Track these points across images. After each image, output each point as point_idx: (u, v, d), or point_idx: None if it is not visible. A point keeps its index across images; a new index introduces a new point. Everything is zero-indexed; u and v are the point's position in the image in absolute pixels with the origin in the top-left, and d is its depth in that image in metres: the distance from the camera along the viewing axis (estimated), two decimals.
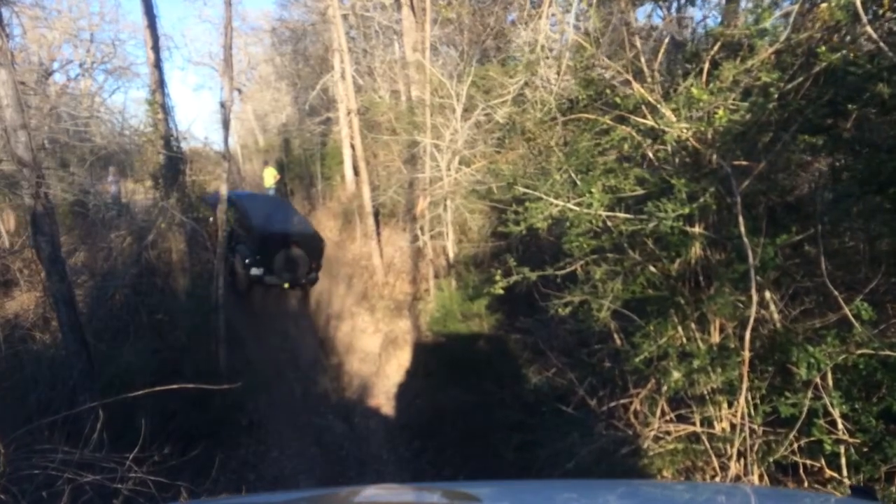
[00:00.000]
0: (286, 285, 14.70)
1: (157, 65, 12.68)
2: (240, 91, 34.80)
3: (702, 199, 4.20)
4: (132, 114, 26.39)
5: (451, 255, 13.81)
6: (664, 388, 4.71)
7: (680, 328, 4.71)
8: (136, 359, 11.31)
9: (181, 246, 12.95)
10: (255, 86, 35.26)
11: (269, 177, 20.15)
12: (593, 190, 4.56)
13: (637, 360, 4.70)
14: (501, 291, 5.36)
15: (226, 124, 11.51)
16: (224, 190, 11.51)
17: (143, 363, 11.41)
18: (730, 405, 4.52)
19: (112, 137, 20.57)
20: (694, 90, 4.28)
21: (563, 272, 5.31)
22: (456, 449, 11.05)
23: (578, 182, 4.78)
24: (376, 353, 13.79)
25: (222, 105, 11.66)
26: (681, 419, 4.75)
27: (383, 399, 12.94)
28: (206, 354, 12.42)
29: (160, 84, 12.78)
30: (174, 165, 12.68)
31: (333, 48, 17.90)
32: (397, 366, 13.35)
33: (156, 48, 12.61)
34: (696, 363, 4.45)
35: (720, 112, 4.29)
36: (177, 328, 12.45)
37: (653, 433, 4.77)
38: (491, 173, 13.75)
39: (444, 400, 11.57)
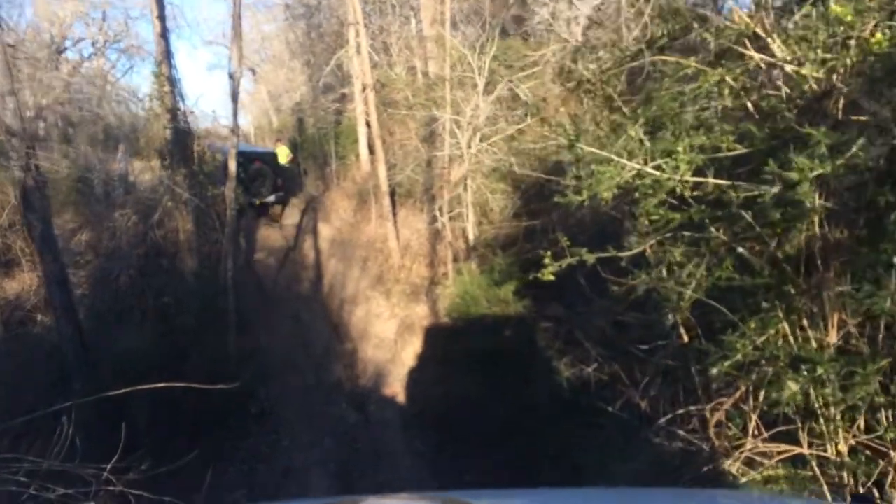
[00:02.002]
0: (256, 202, 16.40)
1: (164, 34, 12.03)
2: (254, 71, 34.19)
3: (848, 154, 3.29)
4: (146, 93, 25.85)
5: (472, 237, 13.15)
6: (762, 399, 3.92)
7: (786, 325, 3.90)
8: (141, 343, 10.76)
9: (188, 225, 12.36)
10: (268, 66, 34.63)
11: (282, 155, 19.47)
12: (679, 148, 3.77)
13: (727, 364, 3.87)
14: (552, 278, 4.62)
15: (234, 96, 10.88)
16: (233, 152, 10.87)
17: (148, 348, 10.87)
18: (849, 421, 3.73)
19: (124, 116, 20.04)
20: (835, 6, 3.37)
21: (630, 253, 4.57)
22: (478, 444, 10.42)
23: (654, 141, 3.94)
24: (392, 339, 13.17)
25: (231, 76, 11.01)
26: (778, 437, 3.97)
27: (399, 387, 12.33)
28: (215, 339, 11.86)
29: (167, 55, 12.12)
30: (181, 140, 12.06)
31: (348, 22, 17.17)
32: (414, 353, 12.72)
33: (161, 17, 11.96)
34: (819, 371, 3.57)
35: (877, 36, 3.35)
36: (184, 311, 11.89)
37: (744, 454, 4.00)
38: (513, 150, 13.08)
39: (464, 390, 10.92)
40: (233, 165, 10.84)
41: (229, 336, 11.56)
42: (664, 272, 4.42)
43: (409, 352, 12.71)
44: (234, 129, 11.20)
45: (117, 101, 22.49)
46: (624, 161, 3.91)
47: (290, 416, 11.74)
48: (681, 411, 4.51)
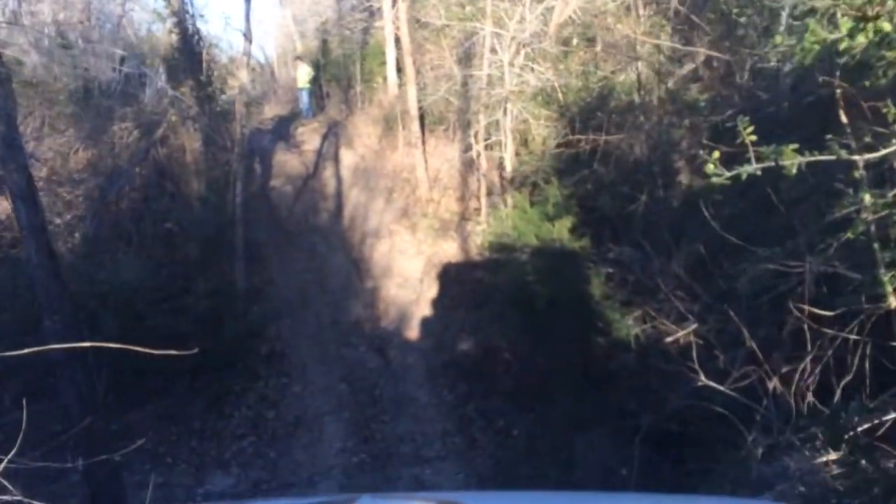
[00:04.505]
0: None
1: None
2: None
3: None
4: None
5: (509, 168, 11.78)
6: None
7: None
8: (139, 274, 9.64)
9: (196, 144, 11.12)
10: None
11: (304, 74, 18.05)
12: None
13: None
14: (727, 182, 3.21)
15: None
16: (245, 76, 9.53)
17: (147, 279, 9.78)
18: None
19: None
20: None
21: (877, 155, 3.15)
22: (510, 398, 9.32)
23: None
24: (417, 278, 11.99)
25: None
26: None
27: (424, 332, 11.20)
28: (222, 272, 10.76)
29: None
30: (189, 48, 10.70)
31: None
32: (441, 294, 11.56)
33: None
34: None
35: None
36: (189, 240, 10.76)
37: None
38: (559, 74, 11.60)
39: (498, 339, 9.79)
40: (244, 75, 9.50)
41: (237, 269, 10.42)
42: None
43: (437, 293, 11.55)
44: (247, 34, 9.82)
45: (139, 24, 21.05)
46: None
47: (303, 358, 10.72)
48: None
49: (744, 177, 3.05)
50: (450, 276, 11.73)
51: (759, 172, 3.00)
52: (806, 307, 3.41)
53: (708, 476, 4.03)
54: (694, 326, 4.49)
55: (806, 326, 3.41)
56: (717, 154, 3.09)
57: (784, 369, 3.73)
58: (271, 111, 19.49)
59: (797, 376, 3.46)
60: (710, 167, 3.13)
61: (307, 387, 10.37)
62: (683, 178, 9.13)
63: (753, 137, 3.01)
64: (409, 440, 9.64)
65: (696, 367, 3.87)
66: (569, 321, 7.18)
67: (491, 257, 9.89)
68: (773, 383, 3.68)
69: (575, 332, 7.23)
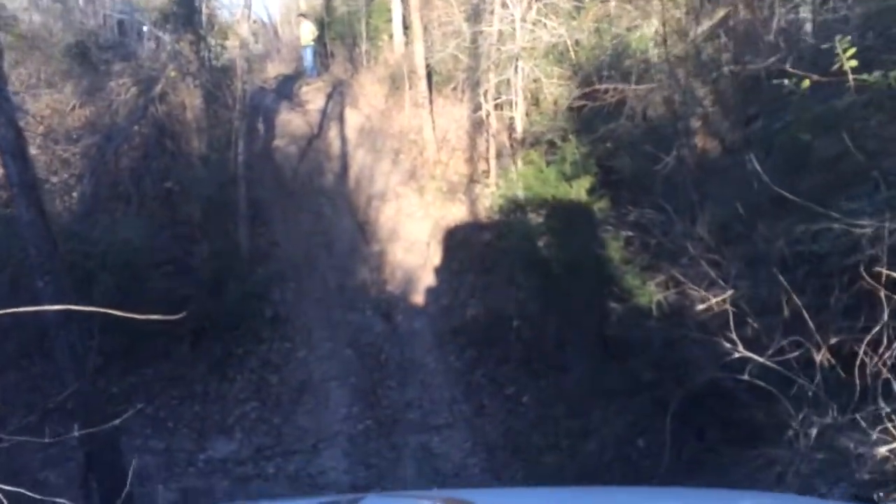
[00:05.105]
0: None
1: None
2: None
3: None
4: None
5: (520, 129, 11.38)
6: None
7: None
8: (139, 234, 9.35)
9: (196, 101, 10.73)
10: None
11: (307, 33, 17.51)
12: None
13: None
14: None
15: None
16: (246, 30, 9.12)
17: (146, 240, 9.49)
18: None
19: None
20: None
21: None
22: (521, 365, 9.08)
23: None
24: (424, 241, 11.67)
25: None
26: None
27: (431, 296, 10.93)
28: (225, 233, 10.47)
29: None
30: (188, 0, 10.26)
31: None
32: (449, 258, 11.26)
33: None
34: None
35: None
36: (190, 200, 10.45)
37: None
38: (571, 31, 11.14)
39: (507, 303, 9.50)
40: (245, 29, 9.08)
41: (240, 230, 10.12)
42: None
43: (444, 257, 11.25)
44: None
45: None
46: None
47: (307, 322, 10.48)
48: None
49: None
50: (458, 239, 11.41)
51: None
52: (884, 271, 3.08)
53: (742, 457, 3.74)
54: (730, 292, 4.18)
55: (882, 295, 3.08)
56: (806, 82, 2.75)
57: (832, 340, 3.43)
58: (274, 70, 18.98)
59: (862, 349, 3.14)
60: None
61: (312, 351, 10.15)
62: (699, 141, 8.77)
63: (854, 63, 2.67)
64: (416, 406, 9.44)
65: (734, 336, 3.56)
66: (584, 286, 6.87)
67: (501, 220, 9.54)
68: (823, 356, 3.38)
69: (591, 297, 6.93)
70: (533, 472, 7.15)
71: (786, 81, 3.48)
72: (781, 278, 3.58)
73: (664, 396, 5.06)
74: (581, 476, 6.45)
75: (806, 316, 3.30)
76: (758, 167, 3.48)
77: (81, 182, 10.28)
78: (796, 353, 3.39)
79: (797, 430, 3.36)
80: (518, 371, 9.11)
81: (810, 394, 3.35)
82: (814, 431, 3.26)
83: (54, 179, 10.37)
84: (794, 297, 3.41)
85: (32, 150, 11.40)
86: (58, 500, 2.68)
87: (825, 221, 3.44)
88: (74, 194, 10.38)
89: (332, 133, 14.11)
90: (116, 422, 4.66)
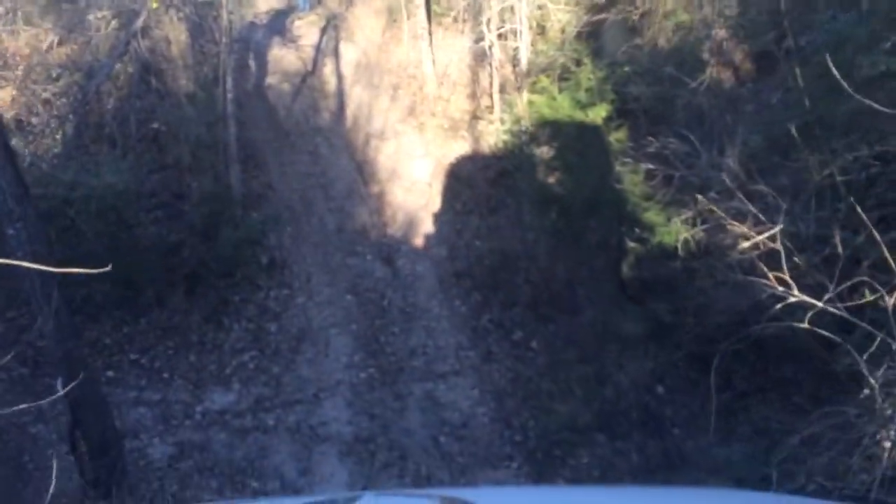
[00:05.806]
0: None
1: None
2: None
3: None
4: None
5: (524, 61, 10.75)
6: None
7: None
8: (125, 177, 8.86)
9: (182, 36, 10.10)
10: None
11: None
12: None
13: None
14: None
15: None
16: None
17: (133, 184, 9.00)
18: None
19: None
20: None
21: None
22: (529, 309, 8.67)
23: None
24: (426, 181, 11.18)
25: None
26: None
27: (434, 239, 10.50)
28: (216, 176, 9.96)
29: None
30: None
31: None
32: (452, 199, 10.79)
33: None
34: None
35: None
36: (178, 141, 9.90)
37: None
38: None
39: (514, 244, 9.07)
40: None
41: (231, 172, 9.62)
42: None
43: (447, 197, 10.79)
44: None
45: None
46: None
47: (306, 268, 10.07)
48: None
49: None
50: (461, 178, 10.92)
51: None
52: None
53: (802, 414, 3.33)
54: (779, 227, 3.68)
55: None
56: None
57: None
58: (266, 4, 18.06)
59: None
60: None
61: (311, 298, 9.76)
62: (719, 69, 8.18)
63: None
64: (420, 354, 9.10)
65: (787, 278, 3.11)
66: (600, 224, 6.42)
67: (507, 157, 9.01)
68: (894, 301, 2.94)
69: (606, 236, 6.49)
70: (544, 421, 6.81)
71: None
72: (842, 210, 3.10)
73: (690, 342, 4.65)
74: (596, 426, 6.11)
75: (886, 254, 2.82)
76: (801, 82, 2.97)
77: (63, 124, 9.73)
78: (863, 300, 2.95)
79: (871, 384, 2.94)
80: (526, 315, 8.72)
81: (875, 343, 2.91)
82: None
83: (35, 121, 9.82)
84: (868, 234, 2.93)
85: (11, 91, 10.87)
86: None
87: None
88: (57, 137, 9.84)
89: (328, 69, 13.45)
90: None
